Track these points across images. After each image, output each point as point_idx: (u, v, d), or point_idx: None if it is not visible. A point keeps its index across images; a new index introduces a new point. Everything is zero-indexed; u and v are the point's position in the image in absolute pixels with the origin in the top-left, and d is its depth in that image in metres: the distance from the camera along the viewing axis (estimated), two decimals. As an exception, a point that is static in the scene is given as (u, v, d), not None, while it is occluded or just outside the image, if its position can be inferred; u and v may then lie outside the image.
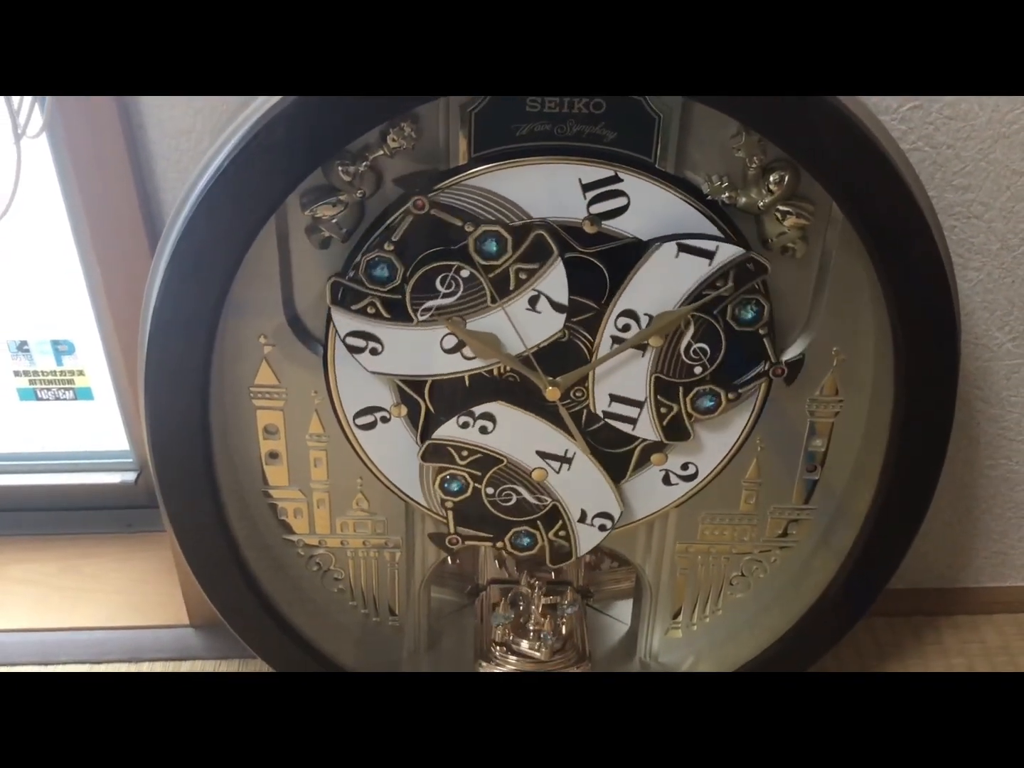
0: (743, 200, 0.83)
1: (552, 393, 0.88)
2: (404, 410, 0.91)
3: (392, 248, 0.83)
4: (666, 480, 0.96)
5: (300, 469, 0.97)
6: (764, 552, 1.04)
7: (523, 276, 0.84)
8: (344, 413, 0.92)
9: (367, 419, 0.92)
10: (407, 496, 0.97)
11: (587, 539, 0.98)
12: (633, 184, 0.81)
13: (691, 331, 0.87)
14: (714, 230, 0.83)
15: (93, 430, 1.29)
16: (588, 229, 0.83)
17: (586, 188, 0.81)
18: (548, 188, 0.81)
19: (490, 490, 0.95)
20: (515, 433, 0.92)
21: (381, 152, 0.80)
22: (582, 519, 0.97)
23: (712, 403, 0.90)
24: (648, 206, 0.82)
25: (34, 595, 1.29)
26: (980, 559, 1.29)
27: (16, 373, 1.25)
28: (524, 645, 1.06)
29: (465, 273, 0.84)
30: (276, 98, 0.77)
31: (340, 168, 0.80)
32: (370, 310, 0.85)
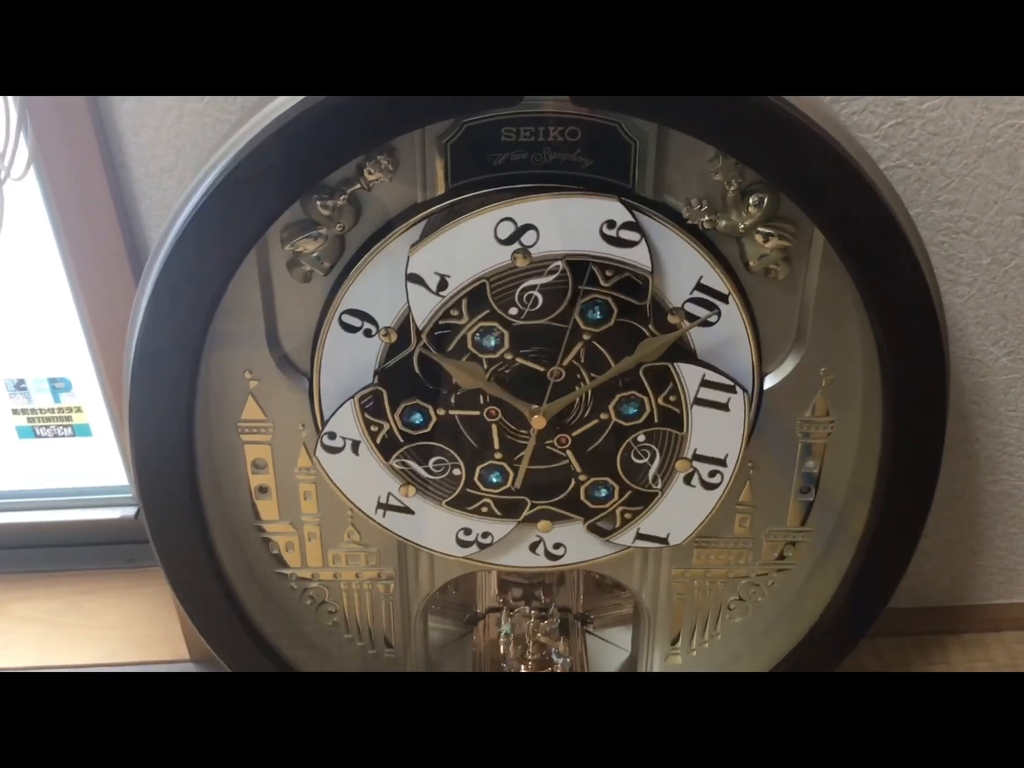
0: (723, 223, 0.82)
1: (538, 421, 0.88)
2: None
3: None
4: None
5: (290, 503, 0.96)
6: (761, 576, 1.03)
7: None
8: (332, 446, 0.91)
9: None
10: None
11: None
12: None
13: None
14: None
15: (92, 466, 1.29)
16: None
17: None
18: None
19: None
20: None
21: (359, 185, 0.81)
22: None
23: None
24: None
25: (37, 633, 1.29)
26: (986, 576, 1.27)
27: (14, 411, 1.26)
28: (519, 674, 1.05)
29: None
30: (252, 134, 0.77)
31: (318, 202, 0.81)
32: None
